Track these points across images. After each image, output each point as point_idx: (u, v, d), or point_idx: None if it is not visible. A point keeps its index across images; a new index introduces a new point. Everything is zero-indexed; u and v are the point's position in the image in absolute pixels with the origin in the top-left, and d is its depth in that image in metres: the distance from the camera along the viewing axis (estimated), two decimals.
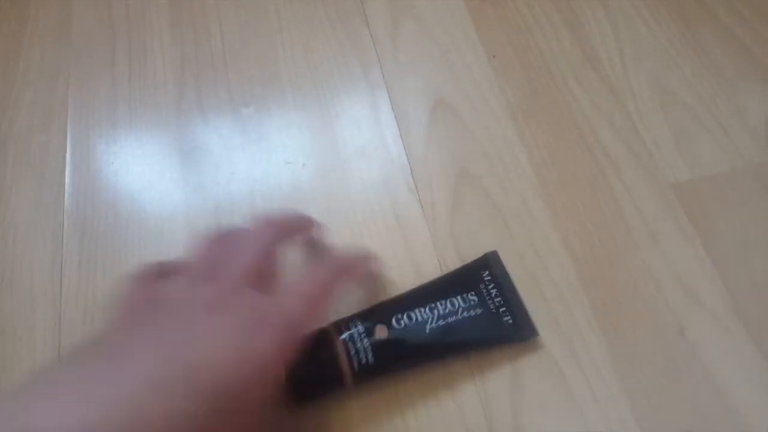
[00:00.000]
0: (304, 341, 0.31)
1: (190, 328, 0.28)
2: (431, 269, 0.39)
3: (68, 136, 0.46)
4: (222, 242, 0.34)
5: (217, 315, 0.29)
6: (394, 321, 0.35)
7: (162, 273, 0.33)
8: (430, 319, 0.35)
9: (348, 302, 0.38)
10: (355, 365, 0.33)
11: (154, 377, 0.25)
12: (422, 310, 0.35)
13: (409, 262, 0.40)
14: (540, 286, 0.39)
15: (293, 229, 0.37)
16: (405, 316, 0.35)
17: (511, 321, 0.36)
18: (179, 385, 0.25)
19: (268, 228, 0.34)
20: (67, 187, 0.44)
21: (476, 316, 0.36)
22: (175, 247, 0.41)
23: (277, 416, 0.33)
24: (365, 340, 0.34)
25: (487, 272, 0.38)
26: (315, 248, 0.39)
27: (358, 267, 0.38)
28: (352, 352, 0.33)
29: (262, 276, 0.32)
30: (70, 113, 0.47)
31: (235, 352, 0.27)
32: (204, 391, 0.25)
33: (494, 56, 0.47)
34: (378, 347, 0.34)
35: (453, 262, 0.40)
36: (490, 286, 0.37)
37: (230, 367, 0.27)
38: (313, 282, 0.33)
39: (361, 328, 0.34)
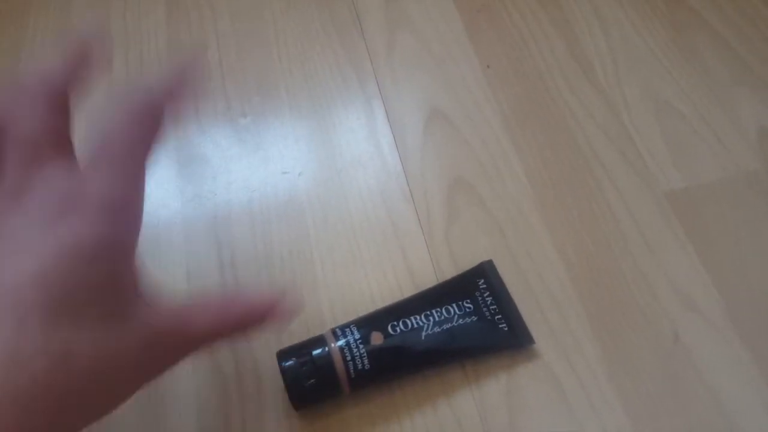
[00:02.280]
0: (138, 222, 0.25)
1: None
2: (427, 277, 0.40)
3: None
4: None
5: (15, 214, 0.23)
6: (390, 328, 0.35)
7: None
8: (425, 327, 0.35)
9: (344, 310, 0.38)
10: (352, 372, 0.34)
11: None
12: (418, 317, 0.36)
13: (405, 270, 0.40)
14: (535, 294, 0.39)
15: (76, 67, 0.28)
16: (401, 323, 0.35)
17: (506, 328, 0.36)
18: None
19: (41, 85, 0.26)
20: None
21: (472, 323, 0.36)
22: (173, 257, 0.41)
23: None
24: (361, 347, 0.34)
25: (482, 280, 0.38)
26: None
27: None
28: (349, 358, 0.34)
29: (60, 146, 0.25)
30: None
31: (45, 245, 0.22)
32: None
33: (488, 67, 0.48)
34: (374, 354, 0.34)
35: (449, 271, 0.40)
36: (485, 294, 0.37)
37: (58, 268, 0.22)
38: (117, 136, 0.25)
39: (357, 335, 0.34)
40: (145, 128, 0.26)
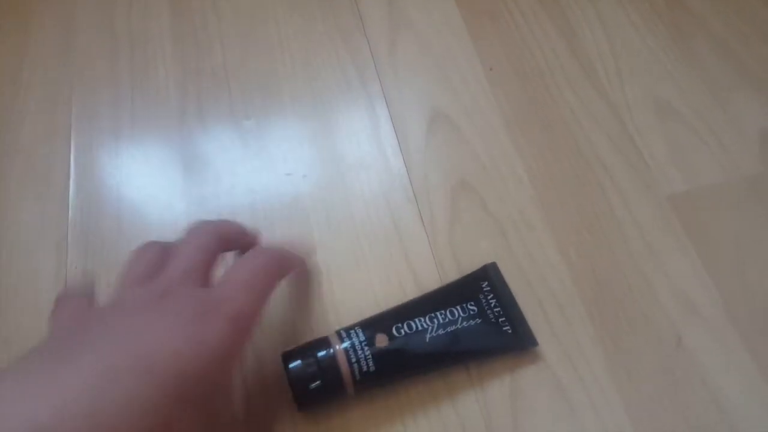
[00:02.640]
0: (253, 329, 0.30)
1: (139, 319, 0.27)
2: (431, 280, 0.40)
3: (72, 148, 0.47)
4: (156, 248, 0.33)
5: (165, 303, 0.28)
6: (394, 330, 0.35)
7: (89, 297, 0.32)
8: (430, 329, 0.35)
9: (349, 312, 0.39)
10: (357, 373, 0.34)
11: (108, 368, 0.24)
12: (422, 319, 0.36)
13: (409, 272, 0.40)
14: (538, 296, 0.39)
15: (231, 238, 0.36)
16: (405, 326, 0.35)
17: (510, 331, 0.37)
18: (134, 373, 0.24)
19: (206, 232, 0.34)
20: (71, 199, 0.45)
21: (476, 325, 0.36)
22: None
23: (229, 407, 0.33)
24: (366, 349, 0.34)
25: (486, 283, 0.38)
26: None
27: (294, 258, 0.38)
28: (353, 360, 0.34)
29: (205, 279, 0.31)
30: (74, 126, 0.48)
31: (186, 338, 0.27)
32: (160, 376, 0.25)
33: (491, 69, 0.48)
34: (379, 356, 0.34)
35: (452, 273, 0.40)
36: (489, 297, 0.38)
37: (184, 353, 0.26)
38: (252, 268, 0.32)
39: (362, 336, 0.35)
40: (281, 266, 0.35)
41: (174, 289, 0.29)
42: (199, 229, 0.34)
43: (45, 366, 0.24)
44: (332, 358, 0.34)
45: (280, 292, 0.40)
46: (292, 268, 0.37)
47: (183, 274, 0.30)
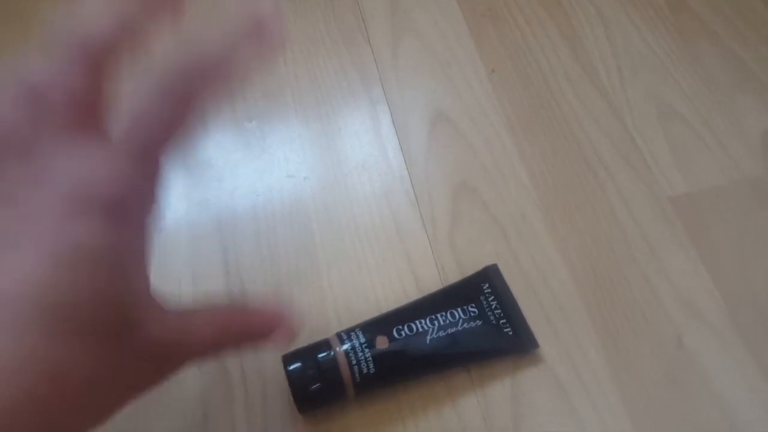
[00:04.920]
0: (146, 214, 0.24)
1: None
2: (432, 282, 0.40)
3: None
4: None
5: (21, 200, 0.21)
6: (395, 332, 0.35)
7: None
8: (430, 330, 0.35)
9: (349, 314, 0.39)
10: (357, 375, 0.34)
11: None
12: (423, 321, 0.36)
13: (410, 274, 0.40)
14: (539, 298, 0.39)
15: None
16: (406, 328, 0.35)
17: (511, 333, 0.37)
18: None
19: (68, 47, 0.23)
20: None
21: (476, 327, 0.36)
22: (178, 261, 0.42)
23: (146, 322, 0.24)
24: (366, 351, 0.34)
25: (487, 285, 0.38)
26: None
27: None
28: (354, 362, 0.34)
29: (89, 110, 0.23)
30: None
31: (41, 258, 0.20)
32: (21, 321, 0.20)
33: (493, 71, 0.48)
34: (379, 358, 0.34)
35: (453, 275, 0.40)
36: (490, 299, 0.38)
37: (45, 279, 0.20)
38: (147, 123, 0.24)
39: (362, 338, 0.35)
40: (178, 117, 0.25)
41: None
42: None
43: None
44: (332, 360, 0.34)
45: (281, 293, 0.40)
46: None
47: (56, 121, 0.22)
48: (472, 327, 0.36)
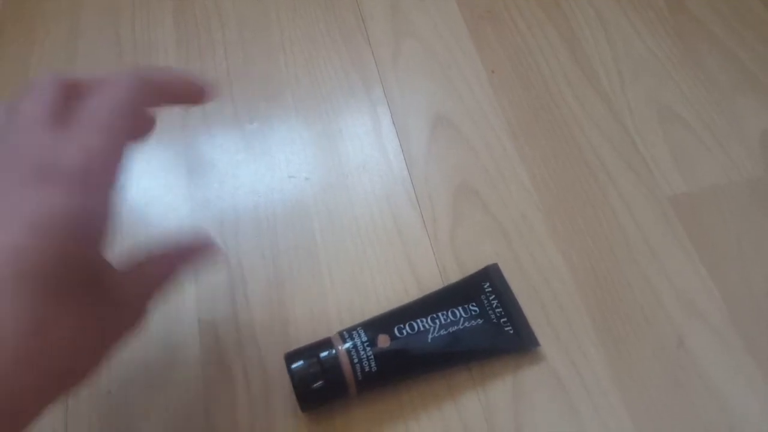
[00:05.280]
0: (110, 185, 0.25)
1: None
2: (433, 281, 0.40)
3: None
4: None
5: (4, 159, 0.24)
6: (396, 330, 0.35)
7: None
8: (432, 329, 0.36)
9: (351, 313, 0.39)
10: (359, 374, 0.34)
11: None
12: (424, 320, 0.36)
13: (411, 274, 0.41)
14: (540, 298, 0.39)
15: (167, 88, 0.29)
16: (407, 326, 0.35)
17: (512, 331, 0.37)
18: None
19: (132, 79, 0.27)
20: None
21: (477, 326, 0.36)
22: None
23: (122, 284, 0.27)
24: (368, 349, 0.34)
25: (488, 284, 0.39)
26: None
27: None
28: (356, 361, 0.34)
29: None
30: None
31: (21, 218, 0.22)
32: (5, 279, 0.21)
33: (493, 72, 0.48)
34: (381, 356, 0.34)
35: (454, 274, 0.40)
36: (491, 297, 0.38)
37: (23, 241, 0.22)
38: (109, 102, 0.26)
39: (364, 337, 0.35)
40: (143, 104, 0.28)
41: (18, 133, 0.25)
42: (123, 78, 0.27)
43: None
44: (335, 359, 0.34)
45: (283, 293, 0.40)
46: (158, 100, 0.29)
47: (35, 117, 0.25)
48: (473, 326, 0.36)
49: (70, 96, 0.26)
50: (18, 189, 0.23)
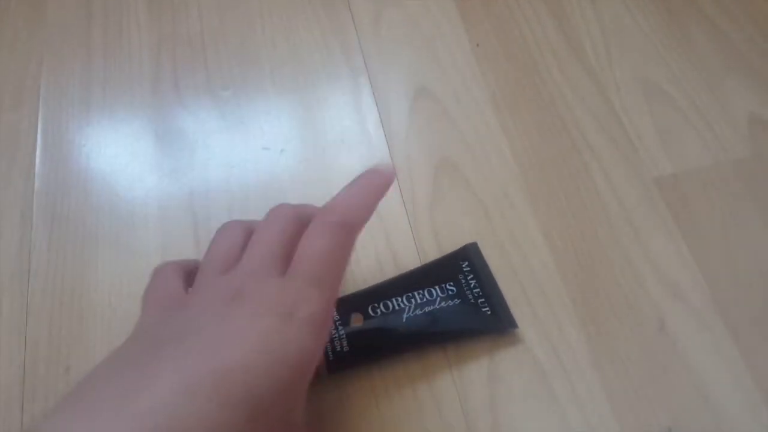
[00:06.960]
0: (328, 329, 0.29)
1: (214, 327, 0.26)
2: (410, 259, 0.39)
3: (40, 116, 0.45)
4: (238, 231, 0.32)
5: (239, 310, 0.27)
6: (370, 309, 0.34)
7: (187, 269, 0.32)
8: (407, 309, 0.34)
9: None
10: (330, 353, 0.33)
11: (184, 386, 0.23)
12: (399, 299, 0.35)
13: (388, 251, 0.39)
14: (519, 278, 0.38)
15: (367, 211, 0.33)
16: (381, 305, 0.34)
17: (489, 312, 0.36)
18: (207, 393, 0.24)
19: (286, 215, 0.31)
20: (37, 168, 0.43)
21: (454, 306, 0.35)
22: (146, 231, 0.40)
23: (303, 416, 0.30)
24: (340, 329, 0.33)
25: (466, 263, 0.37)
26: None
27: (359, 213, 0.32)
28: (327, 340, 0.33)
29: (284, 265, 0.29)
30: (42, 93, 0.46)
31: (260, 353, 0.25)
32: (233, 397, 0.24)
33: (478, 45, 0.47)
34: (353, 336, 0.33)
35: (432, 253, 0.39)
36: (469, 277, 0.37)
37: (258, 370, 0.25)
38: (319, 256, 0.29)
39: (336, 316, 0.34)
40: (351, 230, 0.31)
41: (248, 289, 0.28)
42: (279, 211, 0.32)
43: (130, 375, 0.25)
44: None
45: None
46: (358, 230, 0.32)
47: (260, 264, 0.29)
48: (450, 306, 0.35)
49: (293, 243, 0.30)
50: (257, 334, 0.26)
